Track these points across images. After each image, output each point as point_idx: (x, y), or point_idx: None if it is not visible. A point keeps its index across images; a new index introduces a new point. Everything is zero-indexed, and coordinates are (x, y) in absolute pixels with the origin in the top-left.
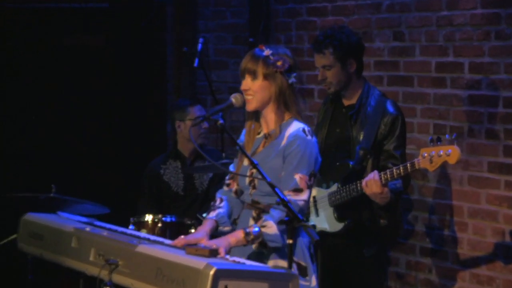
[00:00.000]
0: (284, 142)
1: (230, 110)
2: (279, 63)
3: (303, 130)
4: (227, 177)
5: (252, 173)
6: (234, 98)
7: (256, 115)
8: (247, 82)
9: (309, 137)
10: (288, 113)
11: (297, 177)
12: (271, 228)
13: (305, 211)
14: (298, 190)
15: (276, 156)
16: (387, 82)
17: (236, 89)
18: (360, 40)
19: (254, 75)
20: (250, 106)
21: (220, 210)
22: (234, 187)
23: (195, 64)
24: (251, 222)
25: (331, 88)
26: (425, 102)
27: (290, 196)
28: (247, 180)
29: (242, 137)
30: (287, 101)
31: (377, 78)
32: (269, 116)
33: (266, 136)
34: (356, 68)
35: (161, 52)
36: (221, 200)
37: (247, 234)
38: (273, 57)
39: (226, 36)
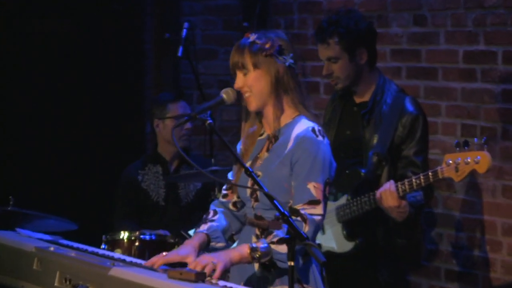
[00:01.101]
0: (290, 144)
1: (221, 107)
2: (267, 45)
3: (313, 130)
4: (224, 187)
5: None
6: (225, 94)
7: (255, 114)
8: (239, 79)
9: (320, 138)
10: (291, 106)
11: (311, 186)
12: (283, 245)
13: (320, 228)
14: (314, 202)
15: (281, 162)
16: (406, 75)
17: (227, 82)
18: (371, 25)
19: (244, 69)
20: (251, 106)
21: (213, 224)
22: (233, 198)
23: (179, 53)
24: (254, 241)
25: (338, 84)
26: (451, 99)
27: (305, 210)
28: (248, 191)
29: (239, 145)
30: (287, 88)
31: (394, 70)
32: (270, 113)
33: (270, 138)
34: (367, 59)
35: (139, 39)
36: (215, 213)
37: (253, 250)
38: (260, 41)
39: (215, 20)
